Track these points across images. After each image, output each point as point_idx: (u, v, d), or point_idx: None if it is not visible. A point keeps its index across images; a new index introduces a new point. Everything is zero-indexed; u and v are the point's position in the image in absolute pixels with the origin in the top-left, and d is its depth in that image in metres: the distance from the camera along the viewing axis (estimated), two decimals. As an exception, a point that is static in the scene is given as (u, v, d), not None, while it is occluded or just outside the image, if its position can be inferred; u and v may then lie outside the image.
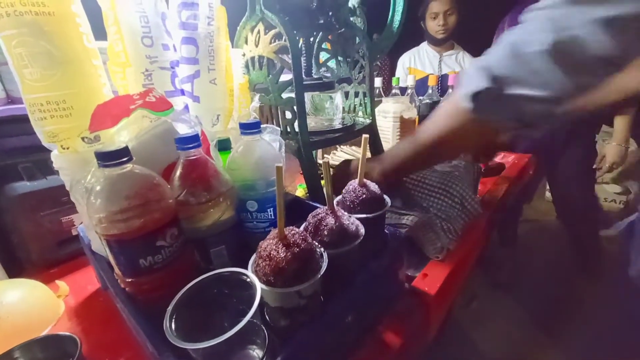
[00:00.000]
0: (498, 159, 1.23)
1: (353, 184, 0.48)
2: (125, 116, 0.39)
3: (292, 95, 0.65)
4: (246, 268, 0.35)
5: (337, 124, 0.81)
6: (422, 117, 1.35)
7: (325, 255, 0.36)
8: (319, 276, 0.34)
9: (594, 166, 1.45)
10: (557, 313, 1.48)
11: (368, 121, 0.88)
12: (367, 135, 0.45)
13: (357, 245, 0.40)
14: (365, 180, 0.48)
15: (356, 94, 0.93)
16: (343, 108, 0.93)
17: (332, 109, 0.82)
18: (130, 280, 0.39)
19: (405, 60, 1.77)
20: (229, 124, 0.64)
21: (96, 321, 0.56)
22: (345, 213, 0.42)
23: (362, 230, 0.42)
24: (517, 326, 1.45)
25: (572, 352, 1.28)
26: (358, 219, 0.44)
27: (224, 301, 0.36)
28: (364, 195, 0.46)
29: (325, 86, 0.78)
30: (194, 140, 0.43)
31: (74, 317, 0.58)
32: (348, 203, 0.47)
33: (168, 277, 0.41)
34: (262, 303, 0.35)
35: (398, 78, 1.44)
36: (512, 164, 1.18)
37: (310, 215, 0.42)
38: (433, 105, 1.35)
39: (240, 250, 0.50)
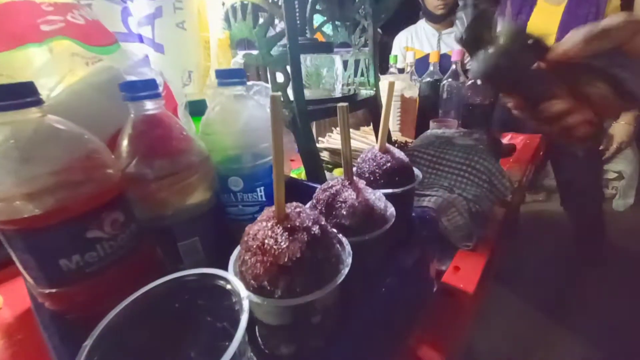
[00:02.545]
0: (507, 140, 1.13)
1: (372, 150, 0.36)
2: (32, 41, 0.25)
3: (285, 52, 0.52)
4: (226, 268, 0.23)
5: (337, 94, 0.69)
6: (424, 98, 1.24)
7: (348, 245, 0.24)
8: (342, 278, 0.21)
9: (601, 147, 1.38)
10: (562, 303, 1.42)
11: (372, 93, 0.76)
12: (393, 81, 0.33)
13: (388, 229, 0.28)
14: (388, 146, 0.36)
15: (356, 63, 0.80)
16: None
17: (332, 76, 0.69)
18: (49, 291, 0.26)
19: (402, 40, 1.66)
20: (204, 87, 0.51)
21: (33, 341, 0.43)
22: (367, 186, 0.30)
23: (392, 210, 0.30)
24: (522, 319, 1.38)
25: (578, 342, 1.22)
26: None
27: (192, 319, 0.23)
28: (388, 164, 0.34)
29: (323, 47, 0.66)
30: (149, 86, 0.30)
31: (5, 336, 0.44)
32: (367, 174, 0.34)
33: (113, 284, 0.28)
34: (252, 321, 0.23)
35: (396, 56, 1.32)
36: (524, 144, 1.09)
37: (319, 189, 0.30)
38: (434, 84, 1.24)
39: (221, 243, 0.37)
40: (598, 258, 1.56)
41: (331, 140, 1.06)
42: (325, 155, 0.97)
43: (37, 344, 0.42)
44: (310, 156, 0.57)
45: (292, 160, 0.75)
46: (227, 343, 0.20)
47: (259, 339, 0.24)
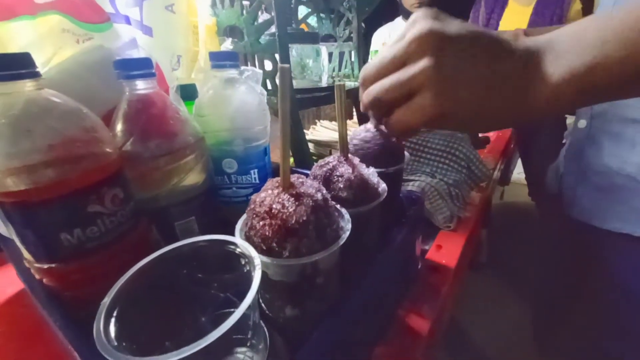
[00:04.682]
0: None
1: (367, 126, 0.37)
2: (25, 13, 0.25)
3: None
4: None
5: (324, 84, 0.70)
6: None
7: (346, 214, 0.26)
8: (343, 240, 0.23)
9: (563, 140, 1.48)
10: (540, 291, 1.50)
11: (357, 84, 0.78)
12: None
13: (381, 202, 0.30)
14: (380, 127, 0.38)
15: (341, 55, 0.82)
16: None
17: (318, 67, 0.70)
18: (48, 267, 0.26)
19: (381, 36, 1.70)
20: (192, 72, 0.50)
21: (17, 334, 0.41)
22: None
23: (384, 185, 0.32)
24: (502, 306, 1.45)
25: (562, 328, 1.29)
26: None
27: (198, 287, 0.24)
28: (380, 143, 0.36)
29: (310, 37, 0.67)
30: (144, 65, 0.30)
31: (-18, 331, 0.42)
32: (358, 154, 0.36)
33: (111, 261, 0.28)
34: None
35: (376, 51, 1.35)
36: (496, 137, 1.15)
37: (316, 166, 0.31)
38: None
39: (215, 225, 0.38)
40: (564, 247, 1.68)
41: (315, 132, 1.07)
42: (310, 147, 0.98)
43: (18, 336, 0.41)
44: (299, 144, 0.58)
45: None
46: (233, 310, 0.21)
47: (263, 304, 0.26)
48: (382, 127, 0.37)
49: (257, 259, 0.20)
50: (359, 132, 0.37)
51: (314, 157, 0.96)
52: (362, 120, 0.89)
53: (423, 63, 0.21)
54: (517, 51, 0.22)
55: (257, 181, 0.41)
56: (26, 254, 0.26)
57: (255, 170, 0.40)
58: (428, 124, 0.23)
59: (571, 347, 0.73)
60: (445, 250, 0.49)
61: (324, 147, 0.99)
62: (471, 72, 0.21)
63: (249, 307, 0.18)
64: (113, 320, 0.17)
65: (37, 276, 0.27)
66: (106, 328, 0.16)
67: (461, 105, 0.21)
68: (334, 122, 1.13)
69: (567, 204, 0.57)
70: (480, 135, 1.11)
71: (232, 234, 0.25)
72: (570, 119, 1.56)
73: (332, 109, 1.37)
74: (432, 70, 0.21)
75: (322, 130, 1.09)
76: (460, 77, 0.21)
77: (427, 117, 0.22)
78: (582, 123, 0.54)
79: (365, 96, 0.26)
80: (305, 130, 1.11)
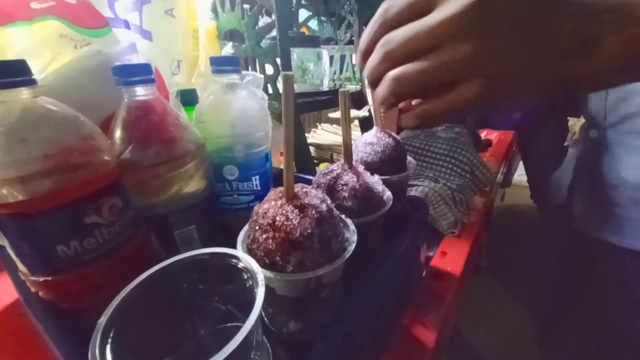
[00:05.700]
0: (483, 135, 1.19)
1: (374, 133, 0.37)
2: (21, 19, 0.24)
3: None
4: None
5: (325, 88, 0.70)
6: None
7: (352, 224, 0.25)
8: (349, 253, 0.22)
9: (565, 143, 1.47)
10: (541, 292, 1.49)
11: (358, 87, 0.78)
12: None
13: (386, 212, 0.29)
14: (385, 130, 0.37)
15: (342, 59, 0.82)
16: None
17: (319, 70, 0.70)
18: (44, 279, 0.25)
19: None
20: (193, 77, 0.50)
21: (11, 345, 0.40)
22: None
23: (389, 193, 0.31)
24: (504, 309, 1.44)
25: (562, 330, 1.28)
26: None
27: (198, 300, 0.23)
28: (387, 150, 0.35)
29: (310, 41, 0.66)
30: (143, 70, 0.30)
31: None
32: (364, 160, 0.36)
33: (110, 272, 0.27)
34: (259, 300, 0.23)
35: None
36: (498, 140, 1.15)
37: (319, 174, 0.30)
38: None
39: (216, 232, 0.37)
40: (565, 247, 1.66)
41: (316, 136, 1.07)
42: (311, 151, 0.97)
43: (14, 346, 0.40)
44: (300, 148, 0.57)
45: (282, 154, 0.75)
46: (235, 324, 0.20)
47: (265, 319, 0.25)
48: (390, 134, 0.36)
49: (261, 274, 0.19)
50: (361, 146, 0.36)
51: (315, 161, 0.96)
52: (364, 125, 0.88)
53: (465, 50, 0.17)
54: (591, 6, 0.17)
55: (259, 188, 0.40)
56: (21, 267, 0.25)
57: (257, 177, 0.40)
58: (467, 112, 0.21)
59: (575, 352, 0.72)
60: (450, 257, 0.48)
61: (325, 151, 0.98)
62: (527, 46, 0.17)
63: (253, 325, 0.17)
64: (110, 341, 0.16)
65: (32, 289, 0.26)
66: (102, 352, 0.15)
67: (516, 82, 0.19)
68: (335, 125, 1.13)
69: (577, 219, 0.54)
70: (482, 138, 1.11)
71: (233, 242, 0.24)
72: (572, 121, 1.55)
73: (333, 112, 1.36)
74: (478, 60, 0.17)
75: (323, 134, 1.08)
76: (513, 57, 0.18)
77: (471, 105, 0.19)
78: (594, 133, 0.51)
79: (393, 81, 0.20)
80: (306, 134, 1.10)
